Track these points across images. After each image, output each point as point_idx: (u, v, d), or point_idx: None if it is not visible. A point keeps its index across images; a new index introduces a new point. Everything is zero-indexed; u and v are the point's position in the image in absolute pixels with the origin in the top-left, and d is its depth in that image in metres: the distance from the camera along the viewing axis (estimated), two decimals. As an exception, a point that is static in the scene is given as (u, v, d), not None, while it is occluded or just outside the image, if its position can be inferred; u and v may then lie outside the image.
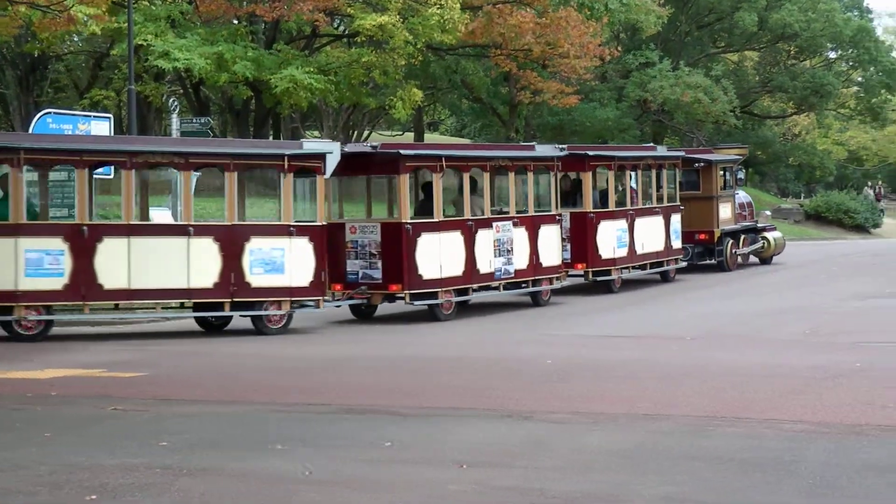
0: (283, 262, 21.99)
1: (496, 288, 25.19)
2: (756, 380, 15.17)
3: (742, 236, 35.99)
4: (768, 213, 42.77)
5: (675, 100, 55.20)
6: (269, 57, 38.97)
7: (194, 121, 29.15)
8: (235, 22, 41.75)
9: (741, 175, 38.76)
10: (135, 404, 14.20)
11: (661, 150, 33.42)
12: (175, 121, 27.86)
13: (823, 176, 73.92)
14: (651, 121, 61.15)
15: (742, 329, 21.12)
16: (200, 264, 21.33)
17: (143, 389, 15.40)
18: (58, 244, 20.40)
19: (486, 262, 24.71)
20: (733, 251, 35.14)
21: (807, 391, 14.21)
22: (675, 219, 31.75)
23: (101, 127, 27.59)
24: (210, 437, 12.13)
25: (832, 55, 69.20)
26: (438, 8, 38.21)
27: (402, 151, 23.73)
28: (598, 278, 28.54)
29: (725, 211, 34.86)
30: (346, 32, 45.58)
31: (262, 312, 21.80)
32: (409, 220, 23.31)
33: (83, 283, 20.51)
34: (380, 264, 23.32)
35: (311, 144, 24.72)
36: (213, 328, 22.43)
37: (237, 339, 21.22)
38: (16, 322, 20.35)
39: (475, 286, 24.62)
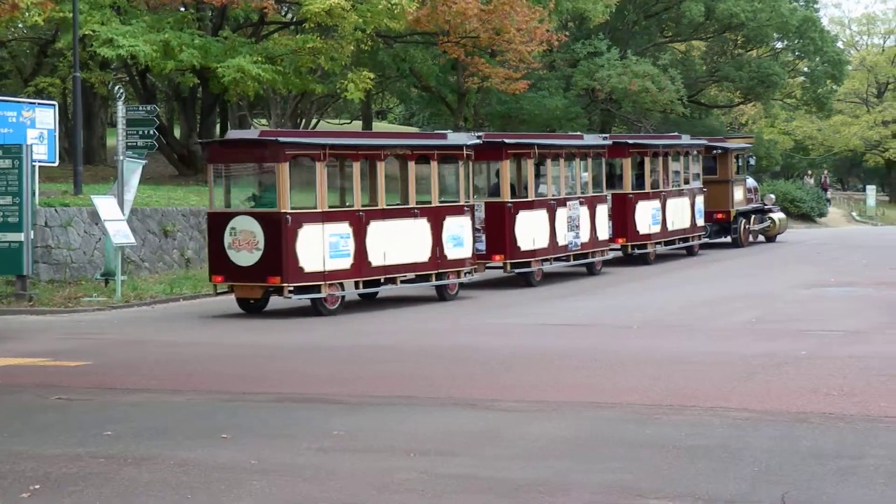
0: (462, 237, 25.18)
1: (567, 259, 28.84)
2: (702, 368, 15.24)
3: (752, 216, 40.17)
4: (772, 196, 45.39)
5: (623, 89, 55.30)
6: (216, 44, 38.71)
7: (140, 108, 28.84)
8: (182, 9, 41.44)
9: (752, 161, 43.05)
10: (80, 393, 14.12)
11: (686, 139, 37.06)
12: (121, 108, 27.56)
13: (770, 165, 74.24)
14: (599, 110, 61.26)
15: (688, 318, 21.19)
16: (422, 241, 24.27)
17: (88, 378, 15.30)
18: (345, 229, 22.64)
19: (563, 235, 28.37)
20: (746, 229, 39.35)
21: (753, 379, 14.29)
22: (699, 200, 36.10)
23: (45, 115, 27.38)
24: (156, 426, 12.06)
25: (778, 45, 69.55)
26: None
27: (506, 140, 27.62)
28: (637, 251, 32.60)
29: (738, 193, 39.16)
30: (294, 19, 45.36)
31: (447, 281, 24.96)
32: (510, 200, 26.76)
33: (361, 262, 22.94)
34: (484, 238, 26.34)
35: (455, 136, 27.04)
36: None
37: (185, 328, 21.12)
38: (321, 300, 22.43)
39: (554, 257, 28.30)
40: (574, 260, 29.29)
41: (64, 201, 27.55)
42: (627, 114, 61.02)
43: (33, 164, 24.88)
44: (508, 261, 26.76)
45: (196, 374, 15.69)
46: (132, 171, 26.48)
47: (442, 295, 25.21)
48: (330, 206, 22.88)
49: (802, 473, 9.81)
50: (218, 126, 57.98)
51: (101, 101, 48.60)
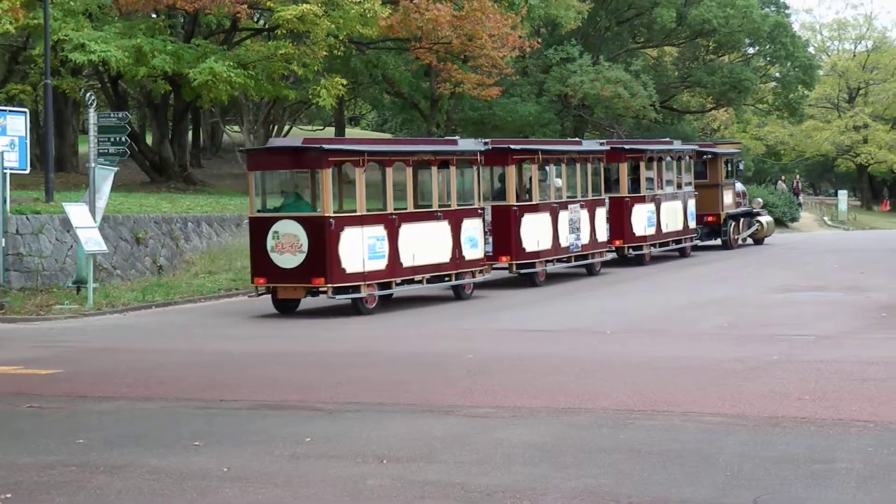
0: (477, 238, 26.28)
1: (568, 260, 29.84)
2: (674, 373, 15.27)
3: (741, 219, 41.59)
4: (760, 200, 46.40)
5: (596, 94, 55.42)
6: (189, 50, 38.66)
7: (112, 115, 28.72)
8: (154, 16, 41.35)
9: (741, 166, 44.69)
10: (51, 402, 14.06)
11: (677, 144, 38.30)
12: (92, 115, 27.46)
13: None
14: (572, 115, 61.36)
15: (664, 322, 21.24)
16: (444, 243, 25.31)
17: (60, 386, 15.23)
18: (381, 231, 23.64)
19: (565, 237, 29.47)
20: (735, 231, 40.79)
21: (725, 384, 14.32)
22: (692, 203, 37.42)
23: (16, 122, 27.23)
24: (127, 434, 12.02)
25: (750, 51, 69.82)
26: (357, 3, 38.13)
27: (512, 145, 29.00)
28: (633, 253, 33.85)
29: (728, 197, 40.60)
30: (267, 26, 45.30)
31: (464, 281, 25.93)
32: (516, 203, 27.86)
33: (394, 263, 23.93)
34: (490, 240, 27.36)
35: (465, 142, 27.78)
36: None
37: (158, 335, 21.06)
38: (361, 299, 23.34)
39: (557, 258, 29.26)
40: (575, 261, 30.41)
41: (35, 209, 27.42)
42: (600, 119, 61.12)
43: (4, 171, 24.79)
44: (514, 262, 27.86)
45: (169, 381, 15.63)
46: (104, 178, 26.39)
47: (459, 294, 26.05)
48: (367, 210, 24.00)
49: (774, 478, 9.84)
50: (190, 133, 57.90)
51: (73, 108, 48.43)
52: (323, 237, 22.56)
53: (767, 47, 66.42)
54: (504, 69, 47.50)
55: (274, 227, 22.88)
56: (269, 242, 22.89)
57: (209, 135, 69.06)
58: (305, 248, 22.61)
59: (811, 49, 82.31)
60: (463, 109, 56.66)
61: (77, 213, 24.84)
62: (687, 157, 37.52)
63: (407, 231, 24.27)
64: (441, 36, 43.08)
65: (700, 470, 10.12)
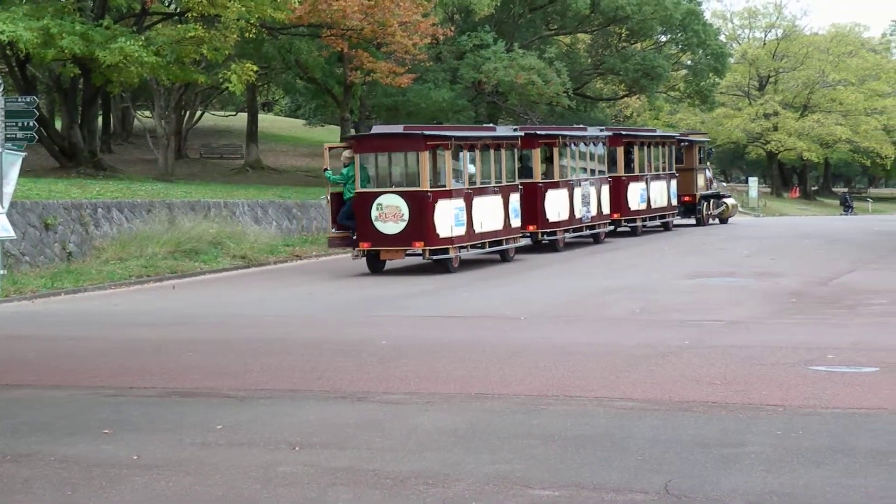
0: (518, 210, 30.99)
1: (580, 230, 35.22)
2: (587, 358, 15.33)
3: (711, 200, 46.90)
4: (724, 183, 50.05)
5: (510, 81, 55.56)
6: (98, 32, 38.05)
7: (20, 100, 28.24)
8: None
9: (712, 152, 50.95)
10: (-43, 390, 13.82)
11: (659, 131, 45.35)
12: (0, 100, 27.04)
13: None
14: (486, 102, 61.49)
15: (576, 308, 21.33)
16: (499, 213, 30.02)
17: (-35, 374, 14.99)
18: (462, 203, 28.35)
19: (578, 209, 34.61)
20: (707, 211, 46.13)
21: (637, 369, 14.40)
22: (674, 183, 42.83)
23: (-79, 105, 26.70)
24: (35, 422, 11.85)
25: (662, 38, 70.36)
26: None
27: (538, 132, 34.35)
28: (629, 226, 39.20)
29: (701, 180, 45.96)
30: (178, 10, 44.86)
31: (506, 246, 30.57)
32: (541, 181, 33.04)
33: (470, 229, 28.74)
34: (520, 213, 31.30)
35: (503, 129, 33.32)
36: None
37: (67, 323, 20.80)
38: (449, 260, 27.98)
39: (572, 227, 34.51)
40: (586, 230, 35.68)
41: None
42: (514, 106, 61.30)
43: None
44: (540, 230, 33.01)
45: (79, 369, 15.44)
46: (11, 163, 25.92)
47: (504, 257, 30.78)
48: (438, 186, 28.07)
49: (685, 462, 9.90)
50: (101, 118, 57.26)
51: (-20, 92, 47.62)
52: (422, 207, 27.17)
53: (679, 35, 66.99)
54: (417, 56, 47.44)
55: (378, 200, 27.39)
56: (374, 213, 27.31)
57: (120, 120, 68.38)
58: (407, 217, 27.20)
59: (722, 37, 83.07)
60: (377, 95, 56.56)
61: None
62: (670, 144, 42.92)
63: (478, 203, 28.99)
64: (351, 24, 42.91)
65: (612, 455, 10.16)
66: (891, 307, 20.51)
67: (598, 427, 11.24)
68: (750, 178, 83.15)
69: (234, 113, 78.17)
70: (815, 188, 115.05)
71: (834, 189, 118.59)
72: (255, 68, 42.33)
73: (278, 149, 71.40)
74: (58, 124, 50.52)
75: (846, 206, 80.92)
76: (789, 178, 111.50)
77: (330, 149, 30.28)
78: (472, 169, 29.26)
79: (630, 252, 33.72)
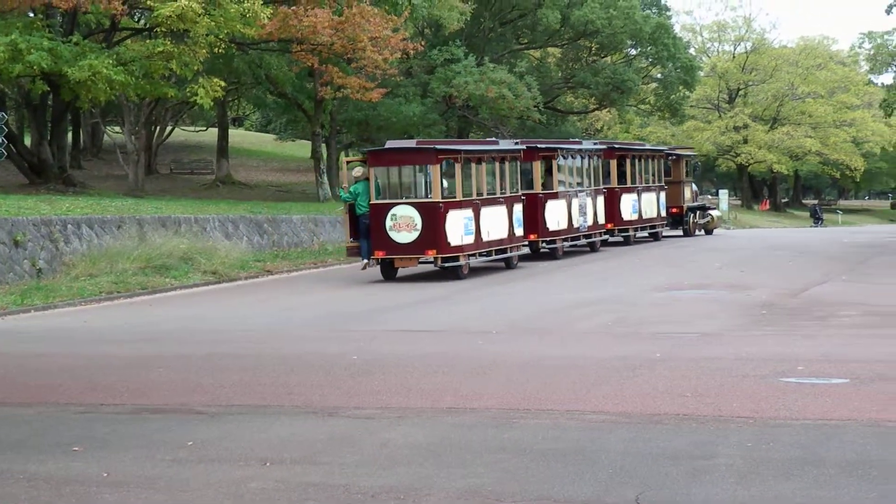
0: (521, 219, 32.65)
1: (578, 238, 37.02)
2: (559, 371, 15.32)
3: (697, 211, 48.46)
4: (710, 196, 51.49)
5: (480, 95, 55.65)
6: (66, 48, 37.92)
7: (-12, 115, 28.28)
8: (31, 15, 40.62)
9: (698, 166, 53.67)
10: (-75, 408, 13.73)
11: (649, 146, 47.40)
12: (-32, 115, 26.99)
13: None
14: (456, 116, 61.56)
15: (547, 321, 21.31)
16: (504, 223, 31.59)
17: (-66, 392, 14.89)
18: (471, 213, 29.81)
19: (575, 219, 36.44)
20: (694, 222, 47.72)
21: (608, 382, 14.41)
22: (663, 195, 44.54)
23: None
24: (4, 440, 11.78)
25: (632, 52, 70.59)
26: (237, 2, 37.79)
27: (538, 145, 36.05)
28: (622, 235, 40.84)
29: (688, 192, 47.76)
30: (147, 25, 44.77)
31: (510, 254, 32.10)
32: (542, 191, 34.49)
33: (478, 238, 30.18)
34: (522, 222, 33.09)
35: (505, 143, 34.69)
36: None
37: (37, 340, 20.68)
38: (460, 268, 29.51)
39: (570, 236, 36.31)
40: (583, 239, 37.51)
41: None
42: (484, 120, 61.38)
43: None
44: (540, 239, 34.66)
45: (48, 385, 15.35)
46: (-20, 179, 25.90)
47: (509, 264, 32.17)
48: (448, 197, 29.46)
49: (656, 474, 9.91)
50: (70, 134, 57.06)
51: (-51, 109, 47.48)
52: (435, 217, 28.61)
53: (649, 48, 67.23)
54: (388, 71, 47.47)
55: (392, 211, 28.85)
56: (388, 223, 28.78)
57: (90, 136, 68.17)
58: (420, 226, 28.67)
59: (692, 50, 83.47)
60: (347, 110, 56.57)
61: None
62: (659, 157, 44.31)
63: (485, 213, 30.43)
64: (321, 40, 42.94)
65: (583, 468, 10.17)
66: (860, 319, 20.60)
67: (569, 440, 11.24)
68: (720, 191, 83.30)
69: (204, 128, 78.05)
70: (786, 200, 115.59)
71: (804, 201, 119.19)
72: (223, 84, 42.28)
73: (249, 164, 71.33)
74: (27, 140, 50.33)
75: (816, 218, 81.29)
76: (759, 190, 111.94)
77: (347, 162, 31.36)
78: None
79: (602, 265, 33.80)
